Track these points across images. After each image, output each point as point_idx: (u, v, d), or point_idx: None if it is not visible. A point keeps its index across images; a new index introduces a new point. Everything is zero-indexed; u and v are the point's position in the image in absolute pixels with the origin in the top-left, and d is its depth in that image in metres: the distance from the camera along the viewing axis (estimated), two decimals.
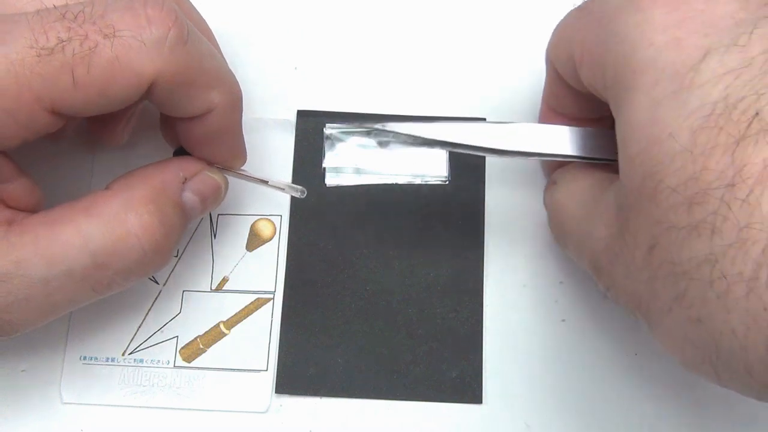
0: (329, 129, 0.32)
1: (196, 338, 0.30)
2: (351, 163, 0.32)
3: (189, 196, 0.26)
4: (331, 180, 0.31)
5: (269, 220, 0.31)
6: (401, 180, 0.31)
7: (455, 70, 0.33)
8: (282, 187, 0.29)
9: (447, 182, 0.31)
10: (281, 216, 0.31)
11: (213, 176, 0.27)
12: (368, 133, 0.32)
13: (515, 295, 0.30)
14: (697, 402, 0.29)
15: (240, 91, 0.26)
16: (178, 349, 0.30)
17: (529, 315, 0.30)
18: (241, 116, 0.26)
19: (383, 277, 0.30)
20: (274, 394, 0.29)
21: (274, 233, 0.31)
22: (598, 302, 0.30)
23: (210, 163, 0.27)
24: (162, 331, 0.30)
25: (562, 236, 0.26)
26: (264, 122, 0.32)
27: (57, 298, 0.23)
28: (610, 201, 0.21)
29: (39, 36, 0.20)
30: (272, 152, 0.32)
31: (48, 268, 0.22)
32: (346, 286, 0.30)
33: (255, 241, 0.31)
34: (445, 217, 0.31)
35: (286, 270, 0.31)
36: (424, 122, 0.25)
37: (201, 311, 0.30)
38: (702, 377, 0.19)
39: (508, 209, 0.31)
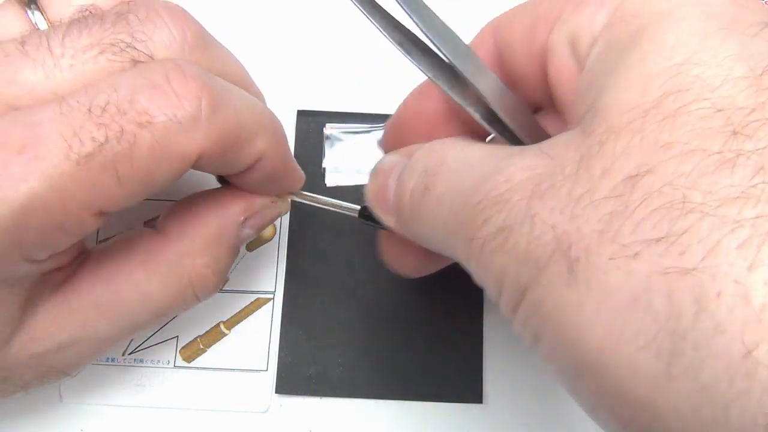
0: (329, 129, 0.32)
1: (196, 338, 0.30)
2: (351, 163, 0.32)
3: (247, 233, 0.25)
4: (331, 180, 0.31)
5: None
6: None
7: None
8: (354, 209, 0.26)
9: None
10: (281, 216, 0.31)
11: (278, 210, 0.25)
12: (368, 133, 0.32)
13: None
14: None
15: (281, 127, 0.24)
16: (178, 349, 0.30)
17: None
18: (287, 146, 0.25)
19: (383, 277, 0.30)
20: (274, 394, 0.29)
21: (274, 233, 0.31)
22: None
23: (273, 200, 0.25)
24: (162, 331, 0.30)
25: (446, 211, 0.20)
26: None
27: (118, 344, 0.24)
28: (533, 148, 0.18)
29: (73, 142, 0.18)
30: None
31: (112, 327, 0.23)
32: (346, 286, 0.30)
33: (255, 241, 0.31)
34: None
35: (286, 270, 0.31)
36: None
37: (201, 311, 0.30)
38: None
39: None
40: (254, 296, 0.30)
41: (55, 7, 0.22)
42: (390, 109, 0.32)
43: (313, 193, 0.30)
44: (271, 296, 0.30)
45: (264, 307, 0.30)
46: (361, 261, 0.30)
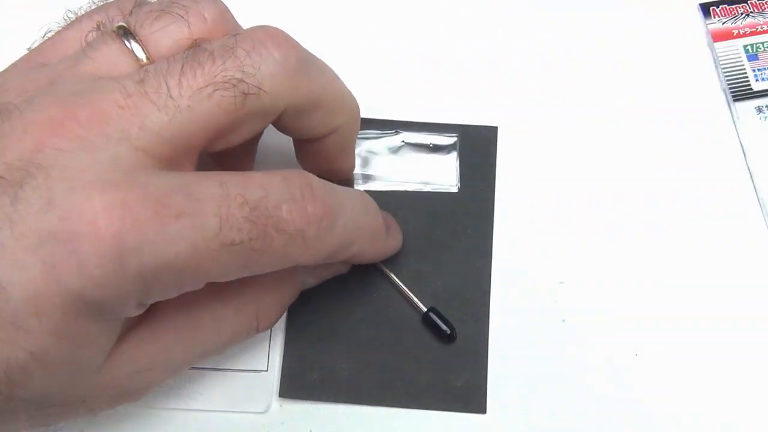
0: None
1: None
2: (360, 168, 0.32)
3: (310, 281, 0.28)
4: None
5: None
6: (410, 187, 0.31)
7: (468, 76, 0.33)
8: (420, 308, 0.30)
9: (457, 190, 0.31)
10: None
11: (340, 268, 0.29)
12: (378, 139, 0.32)
13: (515, 296, 0.30)
14: (697, 402, 0.29)
15: (359, 110, 0.27)
16: None
17: (529, 315, 0.30)
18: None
19: (389, 284, 0.30)
20: (275, 396, 0.29)
21: None
22: (598, 302, 0.30)
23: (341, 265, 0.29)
24: None
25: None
26: (270, 127, 0.32)
27: (182, 372, 0.26)
28: None
29: (225, 225, 0.20)
30: (278, 157, 0.32)
31: (185, 353, 0.24)
32: (352, 292, 0.30)
33: None
34: (454, 225, 0.31)
35: None
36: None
37: None
38: None
39: (516, 213, 0.31)
40: None
41: (156, 40, 0.23)
42: (400, 114, 0.33)
43: None
44: None
45: None
46: (368, 267, 0.30)
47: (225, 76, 0.21)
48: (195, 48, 0.22)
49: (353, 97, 0.27)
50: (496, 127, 0.32)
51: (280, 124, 0.24)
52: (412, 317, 0.30)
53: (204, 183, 0.21)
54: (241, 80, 0.22)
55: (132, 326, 0.23)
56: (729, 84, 0.33)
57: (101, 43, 0.23)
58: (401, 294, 0.30)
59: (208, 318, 0.24)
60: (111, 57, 0.22)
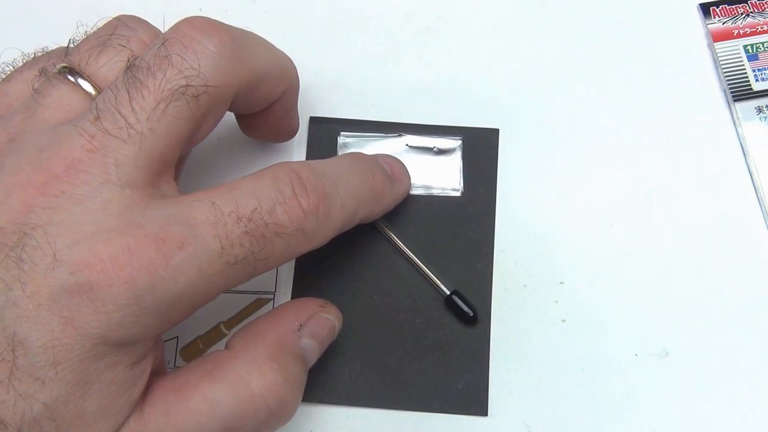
0: (343, 138, 0.32)
1: (196, 339, 0.30)
2: None
3: (307, 342, 0.26)
4: None
5: None
6: (414, 191, 0.31)
7: (469, 78, 0.33)
8: (444, 291, 0.30)
9: (460, 194, 0.31)
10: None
11: (327, 316, 0.27)
12: (381, 141, 0.32)
13: (515, 296, 0.30)
14: (697, 402, 0.29)
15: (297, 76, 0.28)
16: (178, 350, 0.30)
17: (529, 315, 0.30)
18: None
19: (392, 286, 0.30)
20: None
21: None
22: (598, 302, 0.30)
23: (322, 305, 0.27)
24: None
25: None
26: None
27: None
28: None
29: (226, 244, 0.21)
30: (284, 158, 0.32)
31: None
32: (353, 294, 0.30)
33: None
34: (456, 227, 0.31)
35: (293, 278, 0.31)
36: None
37: (201, 312, 0.30)
38: None
39: (516, 213, 0.31)
40: (254, 296, 0.30)
41: (104, 74, 0.23)
42: (404, 117, 0.32)
43: None
44: (271, 297, 0.30)
45: (264, 308, 0.30)
46: (369, 270, 0.30)
47: (170, 88, 0.22)
48: (131, 67, 0.22)
49: (288, 57, 0.27)
50: (498, 129, 0.32)
51: (230, 107, 0.25)
52: (413, 320, 0.30)
53: (195, 206, 0.21)
54: (187, 86, 0.22)
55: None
56: (729, 84, 0.33)
57: (49, 87, 0.23)
58: (424, 277, 0.30)
59: (199, 399, 0.23)
60: (63, 99, 0.23)
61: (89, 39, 0.24)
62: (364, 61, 0.34)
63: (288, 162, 0.24)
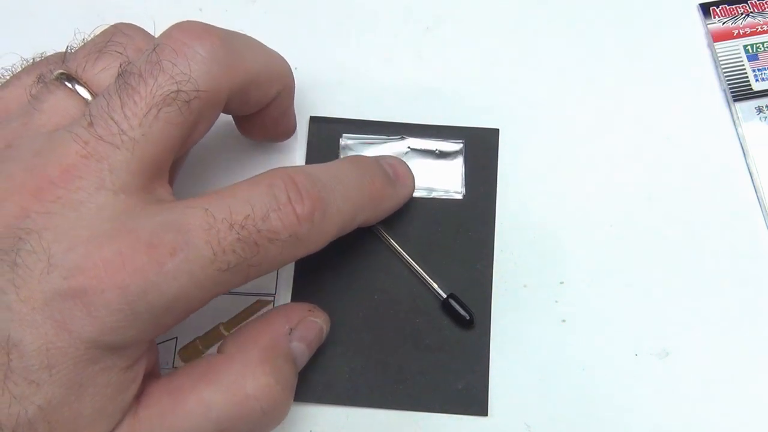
0: (345, 140, 0.32)
1: (195, 340, 0.30)
2: None
3: (297, 345, 0.26)
4: None
5: None
6: (417, 193, 0.31)
7: (469, 79, 0.33)
8: (440, 294, 0.30)
9: (462, 196, 0.31)
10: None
11: (315, 320, 0.27)
12: (383, 144, 0.32)
13: (515, 296, 0.30)
14: (697, 402, 0.29)
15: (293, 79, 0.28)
16: (177, 351, 0.30)
17: (529, 315, 0.30)
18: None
19: (392, 287, 0.30)
20: None
21: None
22: (598, 302, 0.30)
23: (311, 309, 0.27)
24: None
25: None
26: None
27: None
28: None
29: (218, 250, 0.21)
30: (284, 158, 0.32)
31: None
32: (354, 295, 0.30)
33: None
34: (456, 228, 0.31)
35: (294, 279, 0.31)
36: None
37: (201, 312, 0.30)
38: None
39: (516, 214, 0.31)
40: (254, 298, 0.30)
41: (100, 81, 0.23)
42: (405, 117, 0.32)
43: None
44: (271, 298, 0.30)
45: (264, 309, 0.30)
46: (369, 270, 0.30)
47: (162, 93, 0.22)
48: (122, 73, 0.22)
49: (282, 57, 0.27)
50: (498, 129, 0.32)
51: (225, 109, 0.25)
52: (413, 320, 0.30)
53: (188, 213, 0.21)
54: (178, 91, 0.22)
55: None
56: (729, 84, 0.33)
57: (47, 93, 0.23)
58: (421, 280, 0.30)
59: (194, 400, 0.23)
60: (60, 104, 0.23)
61: (86, 46, 0.24)
62: (364, 61, 0.34)
63: (285, 167, 0.24)
